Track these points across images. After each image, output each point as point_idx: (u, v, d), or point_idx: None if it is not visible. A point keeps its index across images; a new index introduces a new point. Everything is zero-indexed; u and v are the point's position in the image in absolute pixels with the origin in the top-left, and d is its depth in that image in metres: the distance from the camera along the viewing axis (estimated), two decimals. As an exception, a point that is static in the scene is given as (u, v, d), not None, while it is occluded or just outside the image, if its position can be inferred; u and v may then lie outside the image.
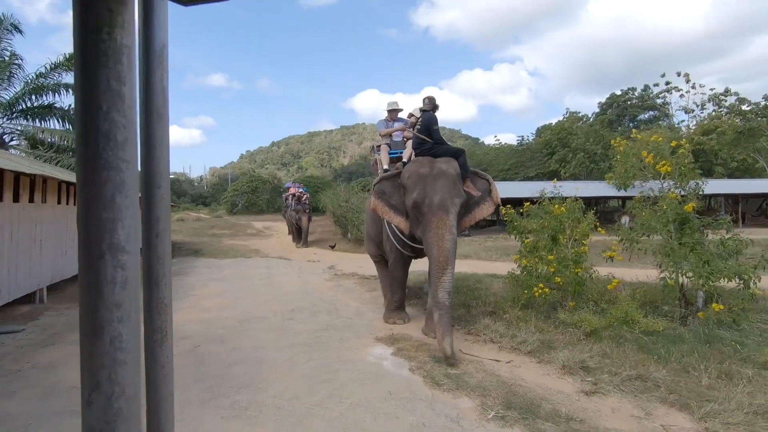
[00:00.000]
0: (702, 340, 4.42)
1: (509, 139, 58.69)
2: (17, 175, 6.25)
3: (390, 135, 6.46)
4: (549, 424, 3.05)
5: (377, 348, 4.76)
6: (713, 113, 34.60)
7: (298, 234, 17.72)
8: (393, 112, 6.59)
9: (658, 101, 43.29)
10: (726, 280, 5.22)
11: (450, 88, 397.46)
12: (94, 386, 0.39)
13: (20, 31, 13.29)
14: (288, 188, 20.54)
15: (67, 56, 13.76)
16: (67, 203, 8.27)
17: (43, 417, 3.21)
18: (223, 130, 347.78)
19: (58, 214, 7.81)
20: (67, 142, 13.74)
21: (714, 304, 4.64)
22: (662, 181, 5.51)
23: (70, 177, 8.01)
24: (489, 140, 61.99)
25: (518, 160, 31.12)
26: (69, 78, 14.07)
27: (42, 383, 3.86)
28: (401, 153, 6.13)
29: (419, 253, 5.66)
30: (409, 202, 5.02)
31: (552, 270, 5.41)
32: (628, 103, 44.11)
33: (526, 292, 5.61)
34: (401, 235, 5.49)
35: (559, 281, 5.37)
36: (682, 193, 5.49)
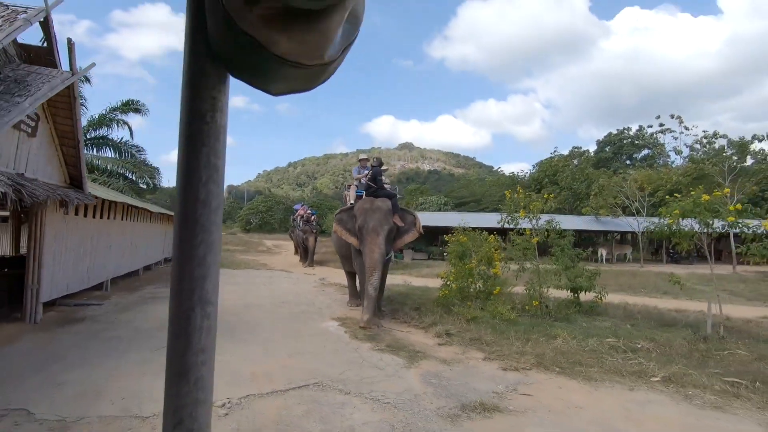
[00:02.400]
0: (531, 324, 6.98)
1: (524, 167, 61.84)
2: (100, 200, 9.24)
3: (359, 180, 9.31)
4: (405, 352, 5.68)
5: (330, 322, 7.46)
6: (697, 156, 37.04)
7: (305, 253, 19.10)
8: (363, 161, 9.49)
9: (653, 140, 46.02)
10: (585, 291, 7.88)
11: (464, 117, 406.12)
12: (177, 423, 0.43)
13: (89, 81, 16.82)
14: (296, 210, 22.15)
15: (123, 101, 17.26)
16: (127, 220, 11.26)
17: (138, 337, 5.97)
18: (241, 149, 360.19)
19: (122, 227, 10.78)
20: (118, 168, 17.04)
21: (534, 301, 7.23)
22: (531, 220, 8.18)
23: (125, 200, 11.04)
24: (503, 168, 64.81)
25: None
26: (122, 116, 17.47)
27: (130, 326, 6.65)
28: (364, 192, 8.92)
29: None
30: (356, 227, 7.72)
31: (451, 279, 8.06)
32: (624, 141, 47.04)
33: (437, 294, 8.26)
34: None
35: (455, 287, 8.00)
36: (547, 228, 8.13)
